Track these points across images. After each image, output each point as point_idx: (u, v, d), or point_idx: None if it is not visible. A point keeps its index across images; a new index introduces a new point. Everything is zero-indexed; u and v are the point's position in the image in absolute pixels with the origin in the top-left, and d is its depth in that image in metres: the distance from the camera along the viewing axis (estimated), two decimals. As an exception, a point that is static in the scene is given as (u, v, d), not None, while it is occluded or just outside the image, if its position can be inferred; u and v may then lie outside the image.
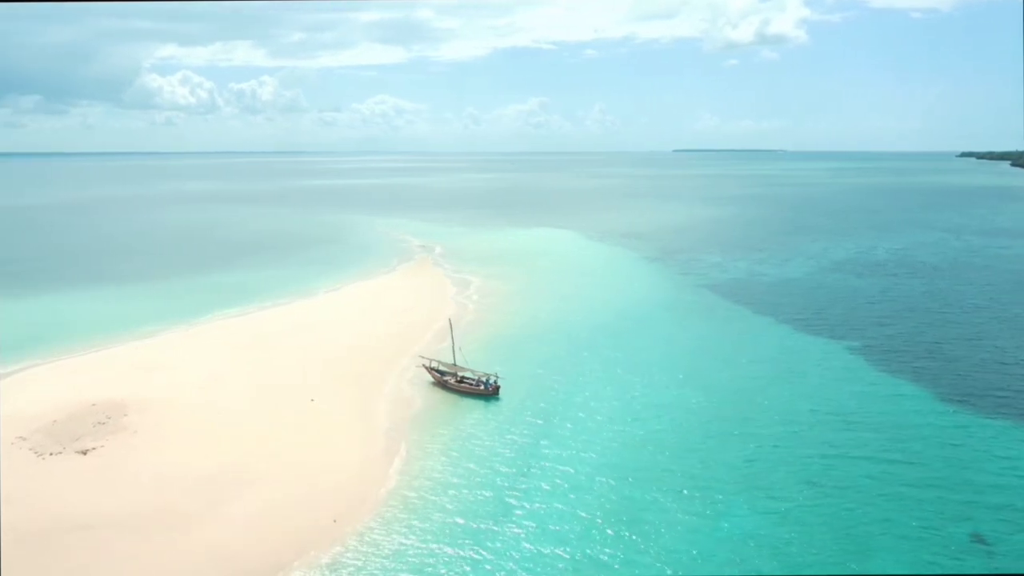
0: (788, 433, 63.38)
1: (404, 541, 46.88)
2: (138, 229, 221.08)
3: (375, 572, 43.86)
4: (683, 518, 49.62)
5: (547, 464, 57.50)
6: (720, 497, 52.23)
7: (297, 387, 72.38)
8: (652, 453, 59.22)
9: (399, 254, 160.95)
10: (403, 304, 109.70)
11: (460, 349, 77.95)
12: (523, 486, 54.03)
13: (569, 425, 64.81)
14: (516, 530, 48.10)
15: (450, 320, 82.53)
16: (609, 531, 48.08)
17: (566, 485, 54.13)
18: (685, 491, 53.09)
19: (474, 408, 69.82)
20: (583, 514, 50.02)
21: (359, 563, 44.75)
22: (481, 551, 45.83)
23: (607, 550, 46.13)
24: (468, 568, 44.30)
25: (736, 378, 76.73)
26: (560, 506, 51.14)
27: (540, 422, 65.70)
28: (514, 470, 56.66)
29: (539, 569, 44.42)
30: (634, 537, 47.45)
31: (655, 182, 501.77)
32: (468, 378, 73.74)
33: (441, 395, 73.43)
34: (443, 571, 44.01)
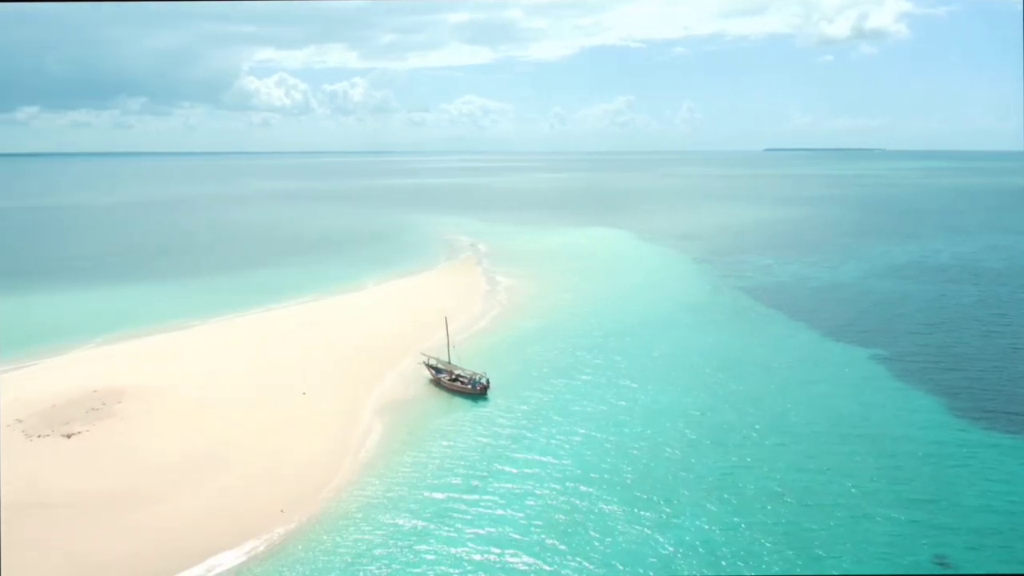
0: (774, 445, 60.92)
1: (340, 537, 47.39)
2: (207, 225, 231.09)
3: (300, 565, 44.44)
4: (621, 526, 48.57)
5: (511, 468, 56.96)
6: (671, 507, 50.77)
7: (295, 381, 73.96)
8: (620, 460, 57.96)
9: (446, 252, 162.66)
10: (430, 302, 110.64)
11: (454, 347, 78.39)
12: (478, 489, 53.58)
13: (547, 429, 64.05)
14: (451, 532, 47.96)
15: (445, 318, 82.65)
16: (547, 539, 47.36)
17: (520, 490, 53.54)
18: (637, 499, 51.87)
19: (459, 407, 69.94)
20: (523, 520, 49.41)
21: (289, 554, 45.52)
22: (414, 552, 45.84)
23: (538, 556, 45.48)
24: (395, 568, 44.35)
25: (741, 386, 74.25)
26: (505, 511, 50.50)
27: (520, 425, 65.22)
28: (475, 472, 56.40)
29: (463, 571, 44.19)
30: (564, 545, 46.67)
31: (735, 182, 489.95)
32: (460, 377, 73.90)
33: (433, 393, 73.92)
34: (369, 570, 44.22)
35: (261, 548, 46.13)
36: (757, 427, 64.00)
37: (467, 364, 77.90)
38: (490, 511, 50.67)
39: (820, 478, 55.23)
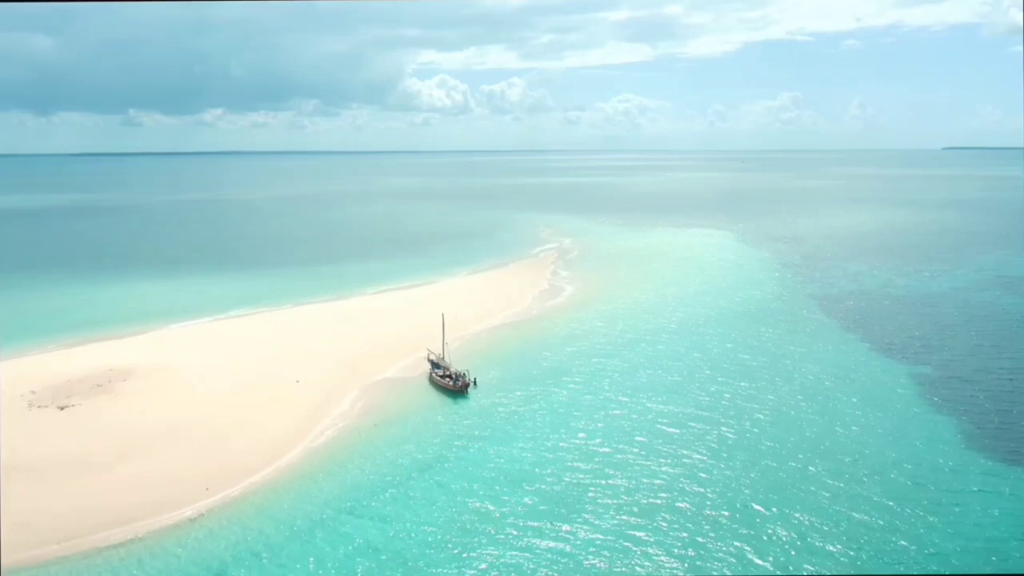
0: (752, 465, 57.36)
1: (253, 522, 49.28)
2: (322, 220, 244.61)
3: (198, 544, 46.84)
4: (521, 536, 47.53)
5: (456, 469, 57.01)
6: (584, 517, 49.17)
7: (297, 370, 77.26)
8: (565, 469, 56.26)
9: (529, 251, 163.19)
10: (474, 300, 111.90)
11: (447, 344, 79.03)
12: (417, 487, 54.05)
13: (514, 431, 63.55)
14: (368, 528, 48.58)
15: (443, 315, 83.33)
16: (450, 539, 47.42)
17: (458, 489, 53.51)
18: (559, 508, 50.54)
19: (437, 403, 70.81)
20: (443, 519, 49.57)
21: (195, 531, 48.07)
22: (325, 544, 46.78)
23: (432, 555, 45.63)
24: (298, 558, 45.64)
25: (750, 399, 70.03)
26: (427, 512, 50.65)
27: (489, 425, 65.05)
28: (420, 471, 56.71)
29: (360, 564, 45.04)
30: (464, 551, 46.36)
31: (889, 183, 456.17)
32: (448, 374, 74.57)
33: (423, 387, 74.97)
34: (269, 558, 45.72)
35: (171, 520, 48.97)
36: (748, 445, 60.14)
37: (470, 361, 78.83)
38: (408, 511, 51.06)
39: (777, 497, 51.55)
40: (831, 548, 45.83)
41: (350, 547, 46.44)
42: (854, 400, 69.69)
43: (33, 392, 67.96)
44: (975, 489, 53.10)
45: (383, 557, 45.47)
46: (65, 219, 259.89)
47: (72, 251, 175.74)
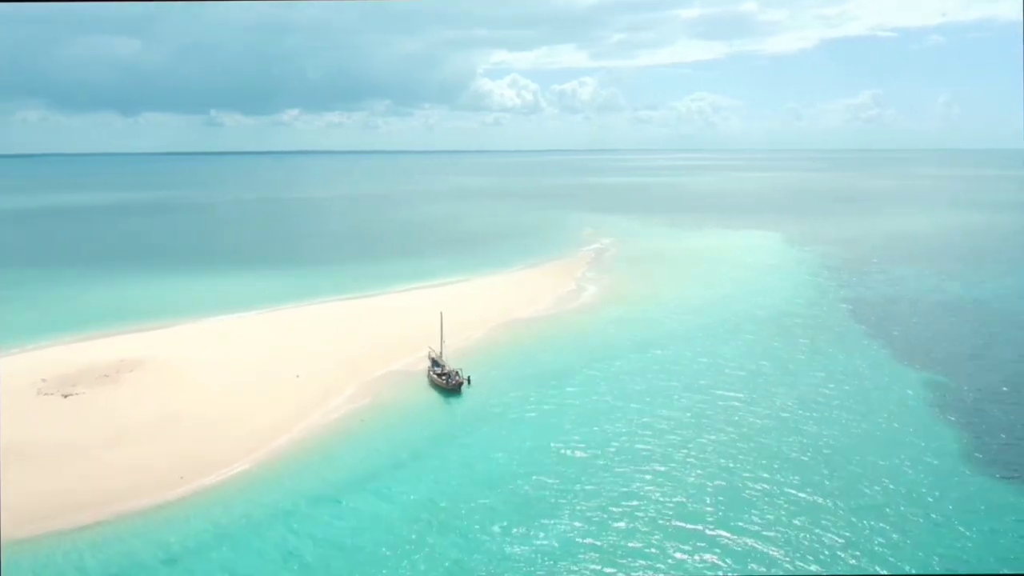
0: (730, 473, 56.19)
1: (215, 512, 50.59)
2: (378, 219, 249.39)
3: (155, 531, 48.37)
4: (476, 535, 47.55)
5: (428, 467, 57.41)
6: (542, 522, 48.87)
7: (300, 366, 78.78)
8: (545, 473, 55.74)
9: (565, 251, 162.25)
10: (498, 299, 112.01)
11: (445, 342, 79.38)
12: (384, 484, 54.62)
13: (496, 432, 63.57)
14: (325, 522, 49.45)
15: (441, 314, 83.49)
16: (403, 536, 48.02)
17: (423, 488, 53.89)
18: (520, 513, 50.32)
19: (429, 400, 71.44)
20: (400, 517, 49.95)
21: (157, 518, 49.68)
22: (277, 536, 47.84)
23: (384, 552, 46.16)
24: (251, 548, 46.74)
25: (745, 407, 68.40)
26: (387, 509, 51.21)
27: (472, 426, 65.29)
28: (392, 469, 57.23)
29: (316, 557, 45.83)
30: (413, 549, 46.71)
31: (967, 183, 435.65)
32: (443, 372, 74.89)
33: (420, 385, 75.45)
34: (221, 548, 46.91)
35: (138, 505, 50.68)
36: (733, 461, 58.41)
37: (474, 359, 79.58)
38: (367, 503, 51.85)
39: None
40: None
41: (301, 540, 47.30)
42: (855, 411, 67.24)
43: (44, 380, 71.23)
44: (969, 507, 50.54)
45: (334, 551, 46.19)
46: (130, 216, 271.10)
47: (124, 247, 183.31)
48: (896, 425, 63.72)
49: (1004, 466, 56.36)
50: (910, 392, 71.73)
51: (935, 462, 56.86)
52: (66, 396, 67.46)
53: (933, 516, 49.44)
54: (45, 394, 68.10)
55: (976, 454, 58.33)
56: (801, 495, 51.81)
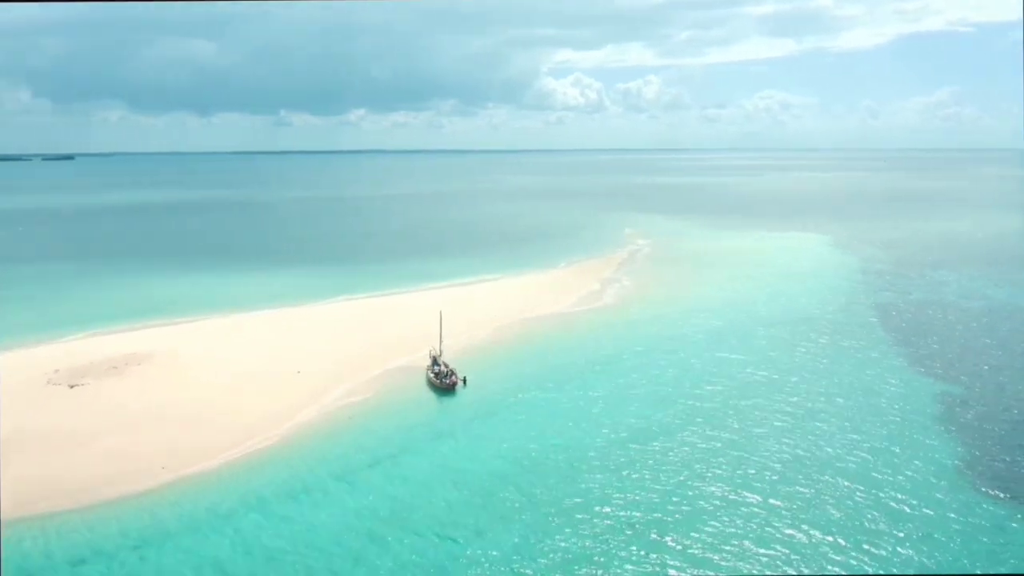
0: (704, 479, 54.92)
1: (190, 501, 51.90)
2: (424, 218, 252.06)
3: (126, 519, 49.80)
4: (436, 536, 47.63)
5: (406, 466, 57.65)
6: (497, 527, 48.59)
7: (303, 362, 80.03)
8: (520, 477, 55.40)
9: (599, 251, 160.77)
10: (517, 299, 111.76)
11: (442, 341, 79.44)
12: (359, 482, 55.06)
13: (480, 434, 63.49)
14: (294, 518, 50.07)
15: (440, 313, 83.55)
16: (363, 536, 48.58)
17: (396, 486, 54.21)
18: (479, 515, 50.36)
19: (422, 399, 71.76)
20: (369, 514, 50.45)
21: (131, 506, 51.15)
22: (238, 531, 48.76)
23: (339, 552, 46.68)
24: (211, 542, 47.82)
25: (739, 414, 66.70)
26: (358, 505, 51.71)
27: (459, 426, 65.21)
28: (369, 466, 57.69)
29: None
30: (372, 548, 47.07)
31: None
32: (440, 372, 75.05)
33: (418, 383, 75.76)
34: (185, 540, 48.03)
35: (116, 494, 52.28)
36: (718, 476, 57.14)
37: (478, 359, 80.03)
38: (340, 500, 52.46)
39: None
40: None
41: (257, 534, 48.02)
42: (858, 423, 64.78)
43: (56, 371, 74.11)
44: (950, 523, 48.27)
45: (286, 547, 46.67)
46: (187, 213, 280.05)
47: (170, 243, 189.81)
48: (897, 440, 60.98)
49: (998, 486, 53.43)
50: (920, 406, 68.54)
51: (928, 480, 54.35)
52: (72, 387, 70.05)
53: (912, 532, 47.32)
54: (54, 384, 70.84)
55: (972, 474, 55.44)
56: (778, 504, 50.23)
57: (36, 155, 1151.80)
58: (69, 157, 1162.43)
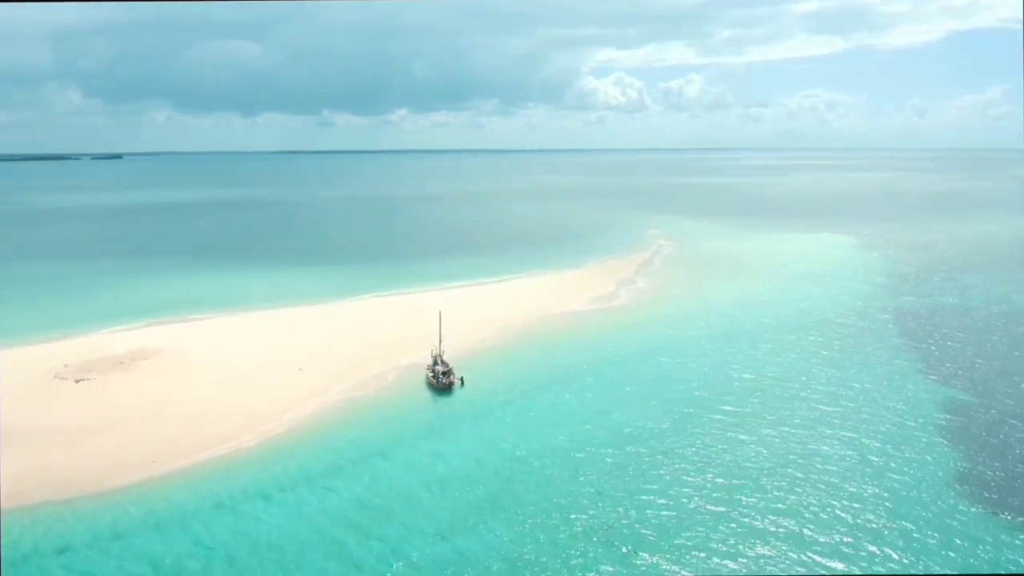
0: (669, 475, 54.50)
1: (173, 496, 53.03)
2: (451, 218, 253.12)
3: (106, 511, 51.09)
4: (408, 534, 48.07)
5: (390, 465, 58.25)
6: (467, 527, 48.84)
7: (306, 360, 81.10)
8: (499, 481, 55.67)
9: (621, 252, 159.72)
10: (529, 299, 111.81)
11: (442, 341, 79.80)
12: (340, 480, 55.78)
13: (466, 435, 63.77)
14: (270, 515, 51.01)
15: (440, 313, 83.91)
16: (332, 534, 49.14)
17: (375, 485, 54.90)
18: (448, 515, 50.81)
19: (418, 399, 72.26)
20: (342, 512, 51.26)
21: (114, 499, 52.45)
22: (210, 528, 49.77)
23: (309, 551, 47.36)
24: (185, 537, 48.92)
25: (734, 421, 65.95)
26: (334, 503, 52.58)
27: (448, 426, 65.65)
28: (354, 463, 58.48)
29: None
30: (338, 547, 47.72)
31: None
32: (438, 371, 75.46)
33: (417, 383, 76.22)
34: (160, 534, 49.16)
35: (103, 487, 53.64)
36: (705, 484, 56.82)
37: (473, 360, 79.73)
38: (318, 497, 53.25)
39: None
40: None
41: (222, 532, 48.88)
42: (856, 429, 63.71)
43: (66, 365, 76.24)
44: (936, 534, 47.28)
45: (258, 545, 47.44)
46: (222, 212, 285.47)
47: (199, 242, 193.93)
48: (895, 446, 59.83)
49: (989, 497, 52.11)
50: (923, 414, 66.93)
51: (920, 487, 53.25)
52: (78, 381, 71.99)
53: (897, 538, 46.43)
54: (61, 378, 72.89)
55: (964, 484, 54.11)
56: (755, 511, 49.66)
57: (86, 154, 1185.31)
58: (117, 156, 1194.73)
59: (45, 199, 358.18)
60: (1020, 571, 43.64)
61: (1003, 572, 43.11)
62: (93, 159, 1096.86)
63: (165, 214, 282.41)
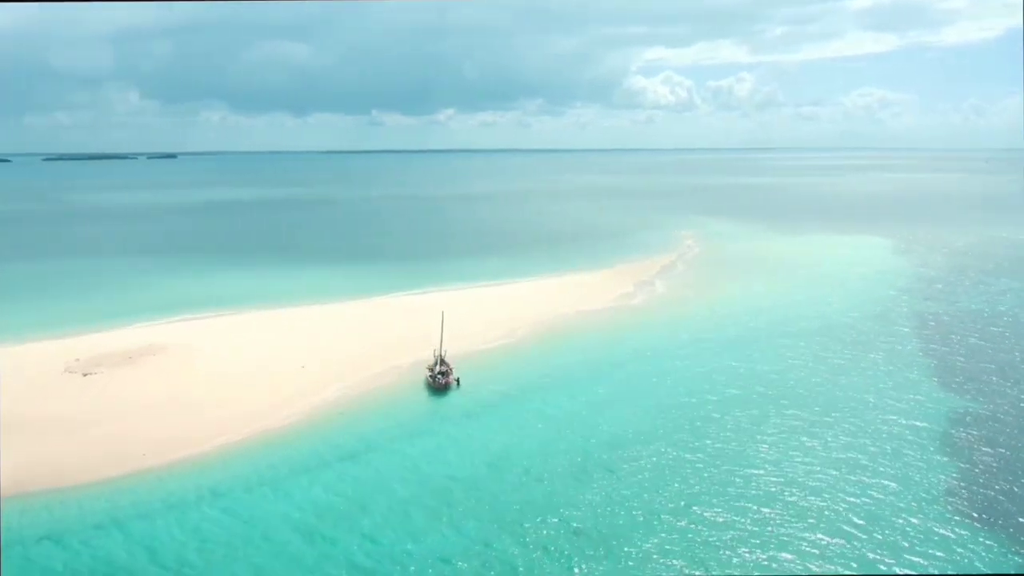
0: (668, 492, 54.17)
1: (160, 490, 54.40)
2: (483, 217, 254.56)
3: (92, 503, 52.70)
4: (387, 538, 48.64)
5: (379, 464, 58.88)
6: (449, 529, 49.26)
7: (310, 358, 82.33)
8: (488, 484, 55.66)
9: (647, 253, 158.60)
10: (546, 300, 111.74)
11: (442, 341, 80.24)
12: (328, 477, 56.58)
13: (458, 437, 64.04)
14: (253, 510, 52.03)
15: (442, 313, 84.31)
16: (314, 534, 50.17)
17: (362, 485, 55.47)
18: (431, 517, 51.25)
19: (415, 399, 73.07)
20: (326, 511, 52.19)
21: (103, 490, 54.11)
22: (197, 524, 50.91)
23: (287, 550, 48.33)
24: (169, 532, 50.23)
25: (718, 431, 64.95)
26: (319, 501, 53.45)
27: (441, 428, 65.90)
28: (342, 460, 59.31)
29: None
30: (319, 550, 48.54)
31: None
32: (437, 371, 75.99)
33: (417, 383, 76.86)
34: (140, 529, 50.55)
35: (93, 478, 55.38)
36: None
37: (474, 360, 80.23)
38: (304, 496, 54.15)
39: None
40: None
41: (210, 526, 49.84)
42: (858, 437, 62.42)
43: (77, 360, 78.76)
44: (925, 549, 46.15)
45: (232, 539, 48.45)
46: (263, 211, 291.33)
47: (232, 240, 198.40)
48: (897, 457, 58.33)
49: (985, 514, 50.41)
50: (929, 426, 65.00)
51: (915, 499, 51.87)
52: (86, 375, 74.33)
53: (881, 548, 45.41)
54: (70, 372, 75.35)
55: (959, 500, 52.39)
56: (745, 518, 49.00)
57: (142, 154, 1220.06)
58: (172, 156, 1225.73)
59: (94, 197, 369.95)
60: (1020, 571, 43.57)
61: (1003, 572, 43.22)
62: (149, 159, 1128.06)
63: (206, 213, 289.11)
